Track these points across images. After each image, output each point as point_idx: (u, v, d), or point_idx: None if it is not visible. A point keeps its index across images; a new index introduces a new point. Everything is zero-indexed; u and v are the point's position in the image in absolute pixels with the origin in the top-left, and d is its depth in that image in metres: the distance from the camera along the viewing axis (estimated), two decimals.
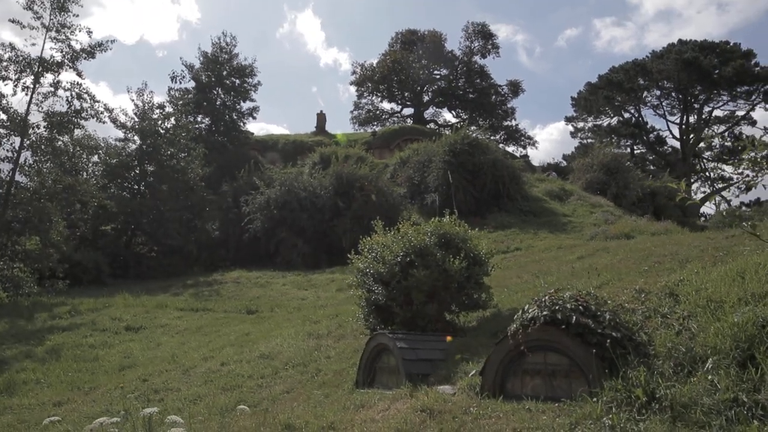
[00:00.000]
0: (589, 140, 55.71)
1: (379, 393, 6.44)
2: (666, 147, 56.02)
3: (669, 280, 6.32)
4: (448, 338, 7.40)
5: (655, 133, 56.17)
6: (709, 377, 4.25)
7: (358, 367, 7.30)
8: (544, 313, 5.15)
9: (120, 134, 30.57)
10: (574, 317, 4.95)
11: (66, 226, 22.11)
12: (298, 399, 7.27)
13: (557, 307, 5.09)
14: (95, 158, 26.59)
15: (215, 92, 38.71)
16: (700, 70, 51.01)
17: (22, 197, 19.92)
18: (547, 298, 5.27)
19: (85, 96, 21.71)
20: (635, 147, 55.54)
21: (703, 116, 55.16)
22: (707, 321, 5.00)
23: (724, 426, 3.75)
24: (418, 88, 53.55)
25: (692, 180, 53.33)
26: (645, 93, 56.32)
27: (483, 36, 53.98)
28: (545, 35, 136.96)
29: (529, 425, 4.40)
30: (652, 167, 51.72)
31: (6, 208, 19.35)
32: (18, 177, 20.55)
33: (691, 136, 55.35)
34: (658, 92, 55.85)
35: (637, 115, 56.95)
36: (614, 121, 57.06)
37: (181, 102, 34.90)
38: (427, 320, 7.59)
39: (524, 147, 55.92)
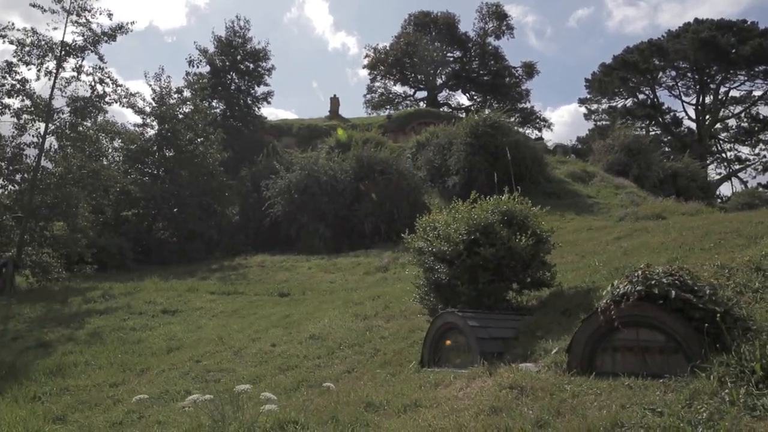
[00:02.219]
0: (604, 122, 55.16)
1: (451, 371, 6.38)
2: (682, 128, 55.46)
3: (752, 255, 6.19)
4: None
5: (671, 114, 55.55)
6: None
7: (423, 345, 7.23)
8: (638, 288, 5.04)
9: (136, 120, 30.54)
10: (674, 292, 4.83)
11: (91, 211, 22.14)
12: (362, 378, 7.23)
13: (653, 282, 4.98)
14: (116, 143, 26.48)
15: (229, 77, 38.47)
16: (717, 50, 50.25)
17: (49, 182, 19.89)
18: (639, 273, 5.16)
19: (108, 81, 21.59)
20: (651, 128, 54.96)
21: (720, 96, 54.55)
22: None
23: None
24: (432, 70, 53.04)
25: (708, 161, 52.85)
26: (660, 73, 55.63)
27: (497, 17, 53.36)
28: (556, 16, 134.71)
29: (638, 401, 4.30)
30: (667, 149, 51.21)
31: (33, 193, 19.33)
32: (43, 162, 20.51)
33: (707, 116, 54.78)
34: (673, 73, 55.17)
35: (652, 96, 56.30)
36: (629, 102, 56.43)
37: (196, 86, 34.67)
38: (493, 299, 7.52)
39: (539, 130, 55.53)
